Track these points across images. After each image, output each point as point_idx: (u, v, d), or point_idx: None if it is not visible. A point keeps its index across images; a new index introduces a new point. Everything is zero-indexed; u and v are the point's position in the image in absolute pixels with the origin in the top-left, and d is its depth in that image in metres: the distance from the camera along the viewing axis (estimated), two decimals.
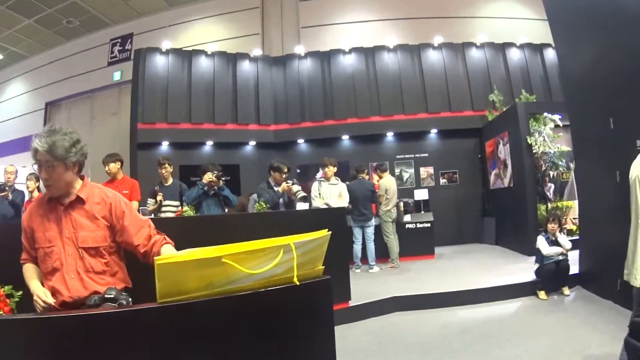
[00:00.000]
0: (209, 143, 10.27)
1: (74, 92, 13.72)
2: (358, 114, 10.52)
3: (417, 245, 8.41)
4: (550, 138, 8.19)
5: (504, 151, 9.00)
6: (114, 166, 5.63)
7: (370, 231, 7.56)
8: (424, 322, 4.83)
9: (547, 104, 9.36)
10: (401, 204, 8.54)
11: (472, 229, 10.27)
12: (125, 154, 10.59)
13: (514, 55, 10.88)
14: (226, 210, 5.61)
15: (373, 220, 7.65)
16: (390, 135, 10.74)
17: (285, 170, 5.53)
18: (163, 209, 5.68)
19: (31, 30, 13.05)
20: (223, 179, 5.27)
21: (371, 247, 7.53)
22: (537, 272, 5.54)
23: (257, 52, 10.96)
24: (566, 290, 5.41)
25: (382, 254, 7.74)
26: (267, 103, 10.73)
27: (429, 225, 8.59)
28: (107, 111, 13.21)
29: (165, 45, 10.36)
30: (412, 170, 10.68)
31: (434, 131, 10.64)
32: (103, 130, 13.05)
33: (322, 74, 10.81)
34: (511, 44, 10.91)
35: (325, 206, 6.19)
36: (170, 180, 5.94)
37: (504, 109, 9.33)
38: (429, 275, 6.76)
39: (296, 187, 5.39)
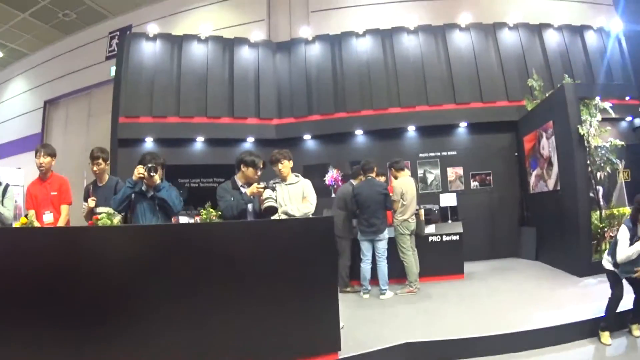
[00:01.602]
0: (200, 139, 9.13)
1: (72, 89, 13.17)
2: (374, 106, 9.22)
3: (443, 262, 7.07)
4: (597, 132, 6.80)
5: (547, 146, 7.63)
6: (48, 161, 4.50)
7: (382, 246, 6.16)
8: None
9: (602, 86, 8.05)
10: (422, 211, 6.99)
11: (508, 240, 8.96)
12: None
13: (552, 38, 9.58)
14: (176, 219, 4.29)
15: (386, 232, 6.22)
16: (411, 130, 9.37)
17: (261, 165, 4.21)
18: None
19: (28, 25, 12.68)
20: (154, 174, 3.83)
21: (383, 266, 6.12)
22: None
23: (257, 36, 9.73)
24: (637, 330, 4.21)
25: (399, 274, 6.36)
26: (268, 94, 9.52)
27: (457, 237, 7.18)
28: (104, 108, 12.41)
29: (152, 29, 9.25)
30: (437, 171, 9.26)
31: (463, 125, 9.27)
32: (100, 128, 12.33)
33: (332, 61, 9.58)
34: (548, 25, 9.67)
35: (285, 216, 4.50)
36: (106, 178, 4.60)
37: (546, 95, 7.95)
38: (455, 306, 5.37)
39: (268, 193, 3.98)
